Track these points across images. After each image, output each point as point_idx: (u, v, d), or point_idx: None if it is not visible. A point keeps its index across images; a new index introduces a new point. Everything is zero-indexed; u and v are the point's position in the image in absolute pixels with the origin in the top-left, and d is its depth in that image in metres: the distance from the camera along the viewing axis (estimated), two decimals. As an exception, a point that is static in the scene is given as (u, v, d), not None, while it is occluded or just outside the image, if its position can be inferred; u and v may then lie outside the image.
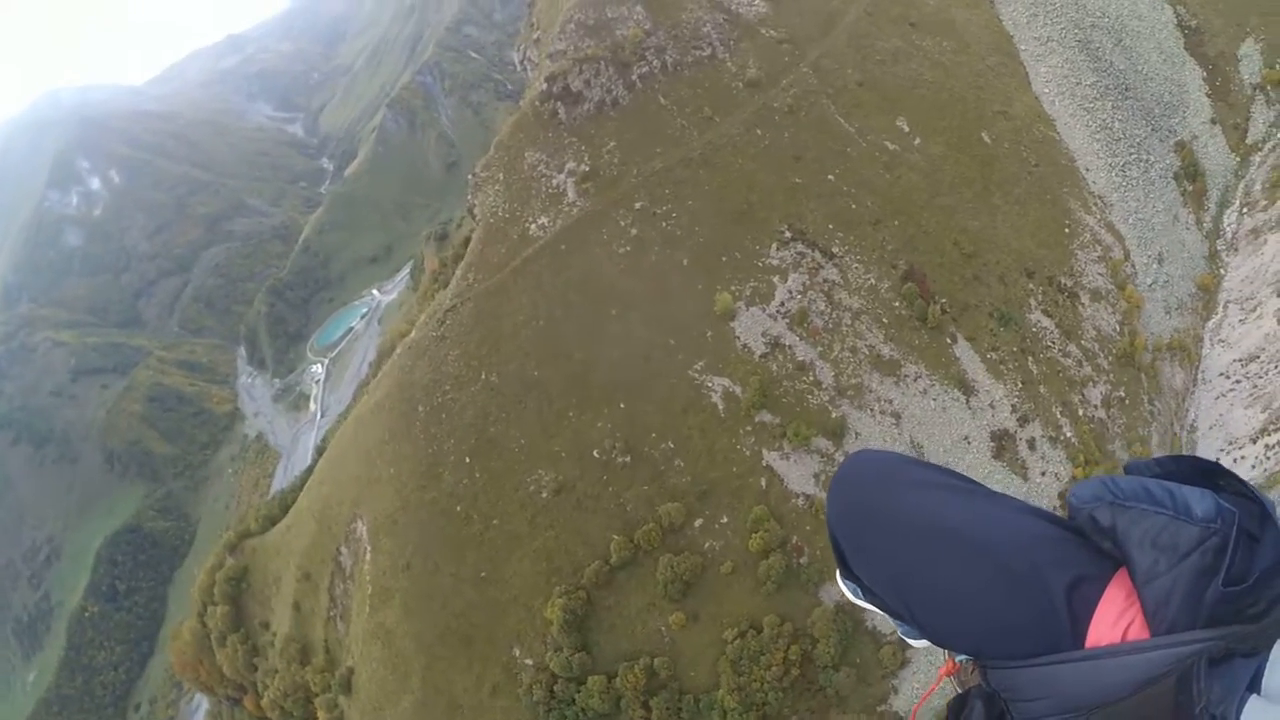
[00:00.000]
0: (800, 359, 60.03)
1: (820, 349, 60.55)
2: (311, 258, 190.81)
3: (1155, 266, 76.17)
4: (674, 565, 50.37)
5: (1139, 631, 1.70)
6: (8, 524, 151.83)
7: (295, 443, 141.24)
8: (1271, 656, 1.36)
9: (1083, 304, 70.76)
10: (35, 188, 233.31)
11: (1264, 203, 78.48)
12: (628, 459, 54.12)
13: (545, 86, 72.45)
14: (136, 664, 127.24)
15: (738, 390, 57.15)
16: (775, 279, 62.53)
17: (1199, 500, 1.67)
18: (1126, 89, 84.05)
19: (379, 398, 61.99)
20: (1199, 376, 74.91)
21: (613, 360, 57.49)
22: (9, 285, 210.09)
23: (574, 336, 58.83)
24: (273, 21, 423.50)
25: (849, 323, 62.21)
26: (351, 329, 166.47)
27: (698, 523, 53.24)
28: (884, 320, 62.88)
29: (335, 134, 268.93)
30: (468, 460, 55.48)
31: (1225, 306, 76.22)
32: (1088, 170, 77.70)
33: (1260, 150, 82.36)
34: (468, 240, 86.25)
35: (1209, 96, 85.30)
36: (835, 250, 64.58)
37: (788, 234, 64.60)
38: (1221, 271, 78.42)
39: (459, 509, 53.50)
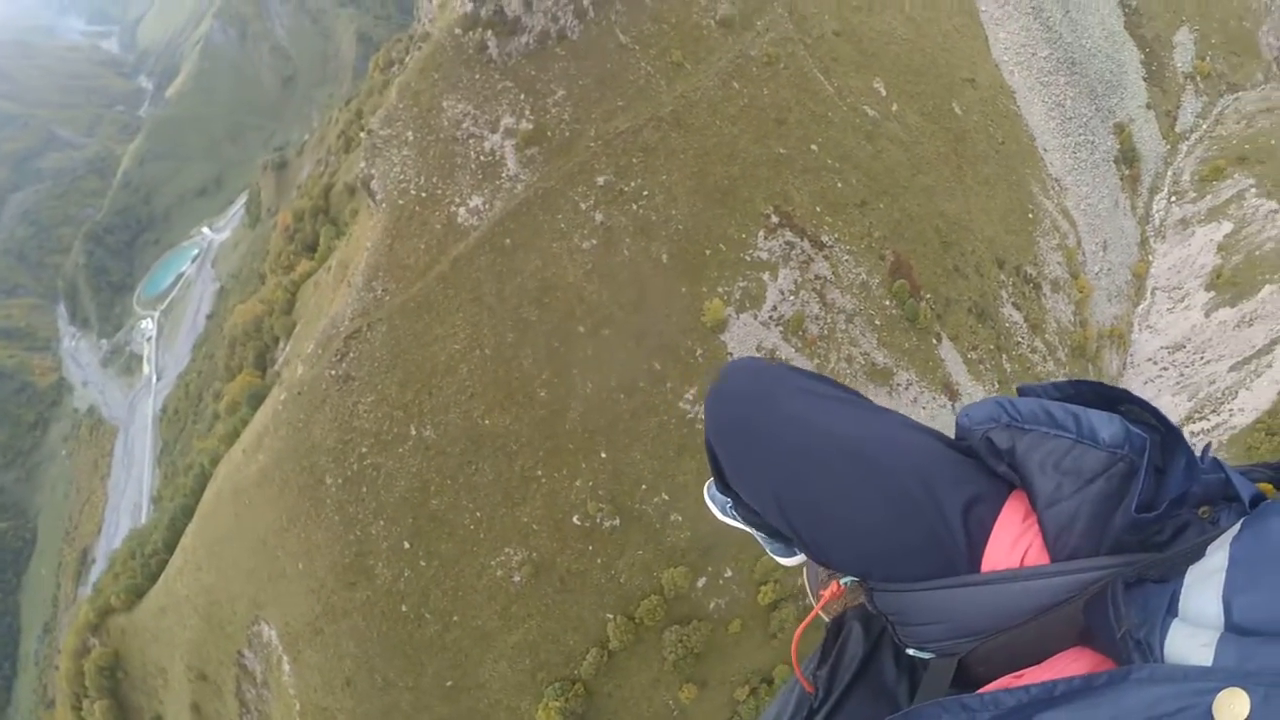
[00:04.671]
0: (796, 373, 52.13)
1: (817, 360, 52.91)
2: (132, 194, 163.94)
3: (1101, 254, 75.60)
4: (684, 639, 42.11)
5: (1038, 556, 1.65)
6: None
7: (132, 413, 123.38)
8: (1186, 581, 1.33)
9: (1045, 295, 68.50)
10: None
11: (1193, 194, 79.69)
12: (616, 521, 44.00)
13: (470, 7, 55.75)
14: (1, 689, 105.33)
15: (737, 418, 48.40)
16: (766, 276, 53.32)
17: (1105, 424, 1.61)
18: (1074, 64, 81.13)
19: (263, 465, 45.70)
20: (1128, 360, 76.72)
21: (587, 397, 46.00)
22: None
23: (534, 368, 46.26)
24: None
25: (843, 327, 54.88)
26: (182, 274, 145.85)
27: (701, 581, 44.93)
28: (876, 322, 56.25)
29: (155, 49, 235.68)
30: (407, 546, 42.51)
31: (1153, 293, 77.67)
32: (1045, 150, 74.46)
33: (1188, 140, 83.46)
34: (353, 215, 68.53)
35: (1145, 80, 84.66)
36: (825, 239, 56.22)
37: (774, 218, 55.14)
38: (1150, 258, 79.63)
39: (405, 609, 41.00)
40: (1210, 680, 1.10)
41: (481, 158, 53.98)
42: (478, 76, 55.76)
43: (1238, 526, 1.35)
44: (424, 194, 52.71)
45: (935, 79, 66.34)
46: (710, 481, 2.77)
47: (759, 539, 2.66)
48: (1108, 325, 73.45)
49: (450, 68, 55.70)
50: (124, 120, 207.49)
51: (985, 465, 1.81)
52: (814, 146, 57.18)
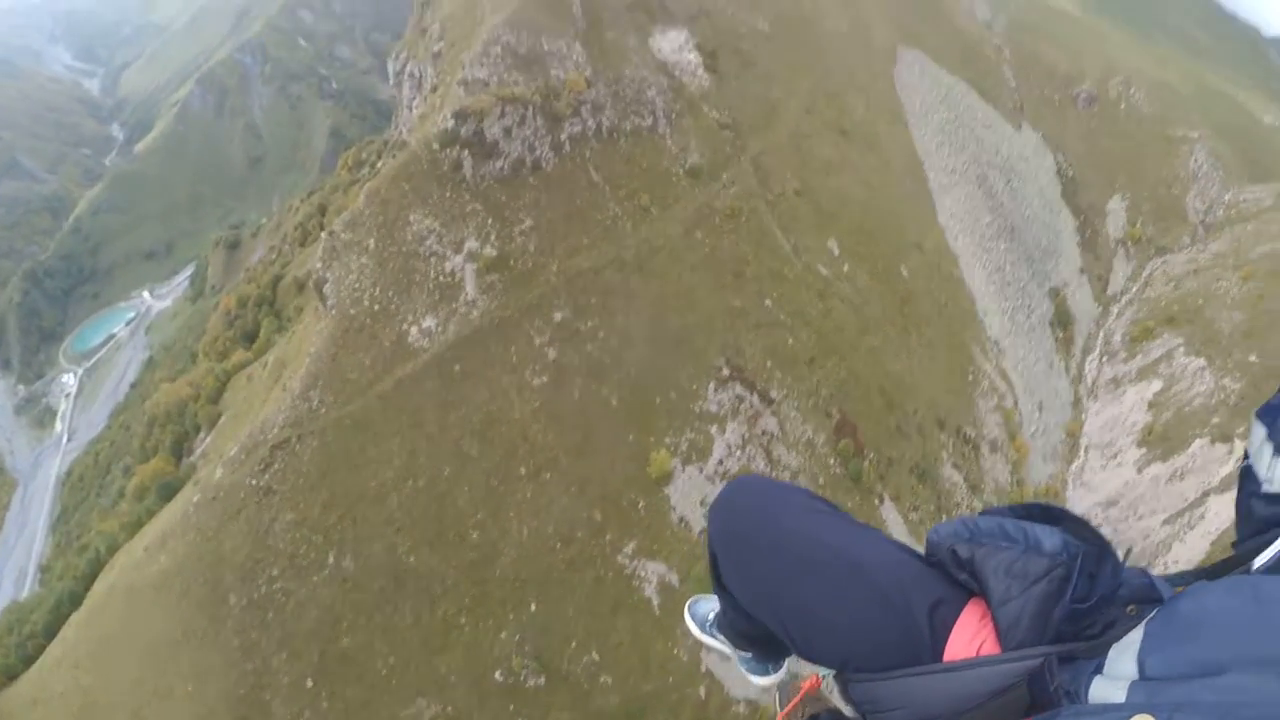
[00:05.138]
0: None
1: (759, 519, 52.25)
2: (81, 242, 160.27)
3: (1037, 415, 78.33)
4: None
5: (991, 648, 1.91)
6: None
7: (35, 469, 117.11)
8: (1109, 654, 1.66)
9: (984, 455, 70.12)
10: None
11: (1124, 354, 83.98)
12: (541, 680, 41.27)
13: (452, 124, 55.67)
14: None
15: (674, 579, 46.79)
16: (714, 429, 53.07)
17: (1048, 536, 1.88)
18: (1014, 230, 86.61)
19: (164, 568, 41.94)
20: (1061, 518, 78.52)
21: (522, 543, 43.97)
22: None
23: (469, 506, 44.19)
24: None
25: (787, 484, 54.69)
26: (114, 335, 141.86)
27: (624, 756, 42.18)
28: (820, 481, 56.18)
29: (135, 99, 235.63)
30: (310, 684, 38.93)
31: (1086, 451, 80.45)
32: (986, 314, 78.07)
33: (1119, 302, 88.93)
34: (298, 313, 66.52)
35: (1079, 246, 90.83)
36: (774, 394, 56.68)
37: (726, 371, 55.49)
38: (1084, 417, 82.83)
39: (300, 763, 37.22)
40: (1123, 711, 1.38)
41: (441, 278, 53.01)
42: (448, 194, 55.34)
43: (1154, 612, 1.67)
44: (377, 306, 51.18)
45: (886, 241, 69.61)
46: (691, 600, 3.41)
47: (735, 657, 3.02)
48: (1043, 484, 75.37)
49: (422, 181, 55.09)
50: (88, 165, 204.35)
51: (949, 574, 2.08)
52: (769, 301, 58.53)
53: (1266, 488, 1.83)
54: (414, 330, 50.28)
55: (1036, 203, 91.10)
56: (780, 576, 2.26)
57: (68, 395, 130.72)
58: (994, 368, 75.66)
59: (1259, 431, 1.85)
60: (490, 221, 55.24)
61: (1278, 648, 1.36)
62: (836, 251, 64.93)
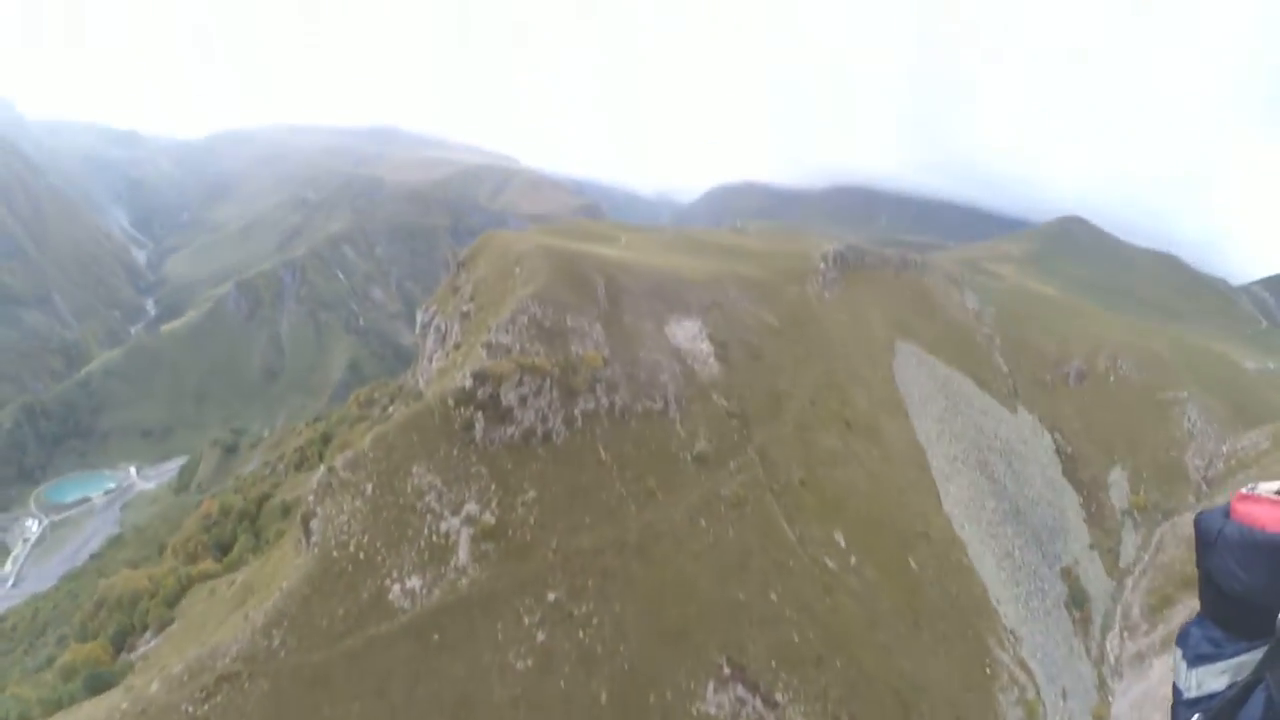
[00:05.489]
0: None
1: None
2: (86, 397, 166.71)
3: (1061, 704, 72.65)
4: None
5: None
6: None
7: None
8: None
9: (1009, 760, 63.61)
10: None
11: (1145, 627, 79.16)
12: None
13: (470, 384, 58.06)
14: None
15: None
16: (711, 738, 49.23)
17: None
18: (1019, 513, 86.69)
19: None
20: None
21: None
22: None
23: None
24: (177, 144, 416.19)
25: (791, 813, 49.24)
26: (89, 500, 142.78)
27: None
28: (829, 805, 50.68)
29: (175, 281, 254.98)
30: None
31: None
32: (999, 602, 75.50)
33: (1132, 574, 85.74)
34: (278, 537, 65.86)
35: (1086, 521, 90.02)
36: (778, 698, 53.19)
37: (726, 669, 52.74)
38: (1110, 699, 76.25)
39: None
40: None
41: (435, 537, 52.38)
42: (455, 453, 56.20)
43: None
44: (362, 555, 49.79)
45: (892, 532, 69.63)
46: None
47: None
48: None
49: (432, 435, 55.92)
50: (114, 327, 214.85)
51: None
52: (773, 595, 57.34)
53: (1185, 694, 2.22)
54: (397, 588, 48.77)
55: (1039, 482, 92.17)
56: None
57: (26, 540, 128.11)
58: (1012, 658, 71.34)
59: (1177, 652, 2.28)
60: (494, 487, 55.75)
61: None
62: (843, 543, 64.81)
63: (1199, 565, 2.36)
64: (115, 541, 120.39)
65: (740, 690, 52.23)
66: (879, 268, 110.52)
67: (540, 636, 49.74)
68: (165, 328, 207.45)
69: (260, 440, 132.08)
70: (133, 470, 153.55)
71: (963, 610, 71.15)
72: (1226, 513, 2.25)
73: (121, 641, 67.01)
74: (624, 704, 48.44)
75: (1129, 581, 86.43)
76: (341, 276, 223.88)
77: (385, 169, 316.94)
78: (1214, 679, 2.18)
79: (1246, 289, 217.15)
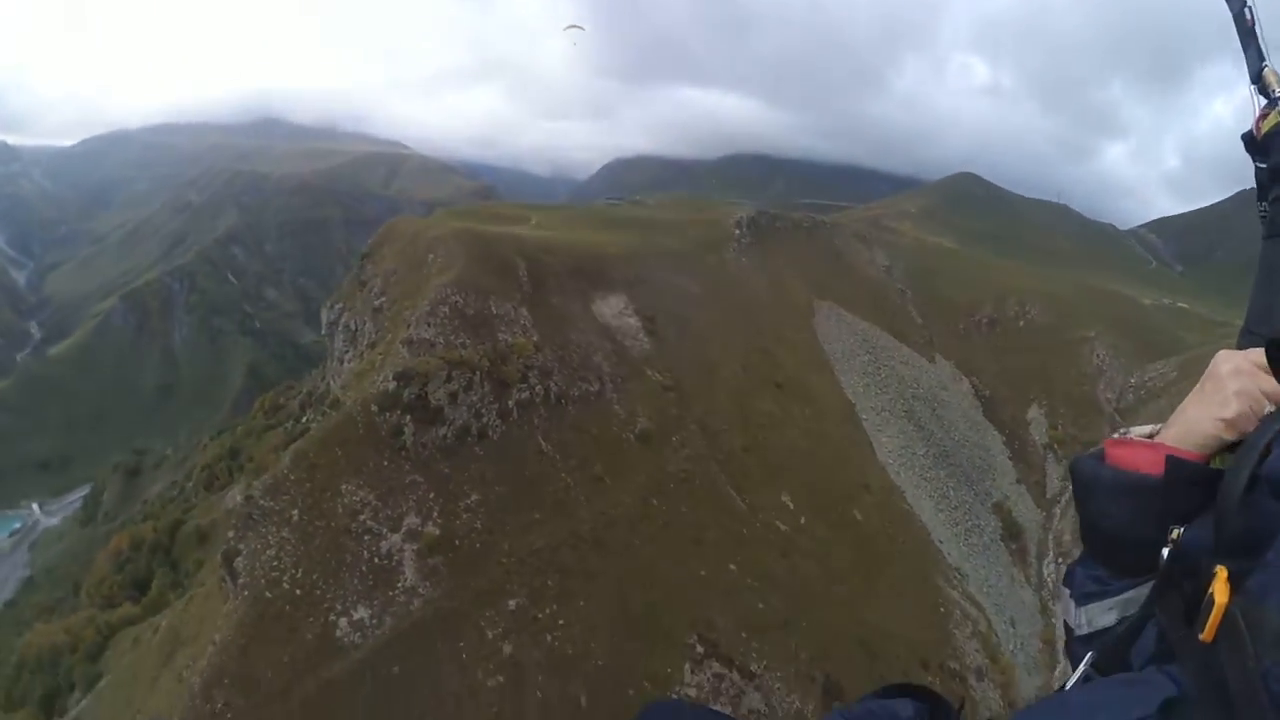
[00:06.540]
0: None
1: (755, 828, 45.82)
2: None
3: (1011, 630, 76.13)
4: None
5: None
6: None
7: None
8: None
9: (972, 685, 65.99)
10: None
11: (1077, 551, 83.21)
12: None
13: (394, 386, 53.73)
14: None
15: None
16: None
17: (904, 707, 2.11)
18: (948, 455, 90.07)
19: None
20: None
21: None
22: None
23: None
24: (50, 153, 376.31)
25: (780, 776, 49.01)
26: None
27: None
28: (815, 765, 50.78)
29: (58, 300, 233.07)
30: None
31: (1062, 654, 77.41)
32: (941, 542, 78.18)
33: (1059, 503, 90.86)
34: (197, 568, 60.15)
35: (1010, 459, 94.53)
36: (754, 667, 52.75)
37: (700, 648, 51.74)
38: (1053, 621, 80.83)
39: None
40: None
41: (376, 560, 48.17)
42: (386, 463, 51.86)
43: None
44: (299, 591, 44.99)
45: (835, 487, 70.56)
46: None
47: None
48: (1033, 697, 71.16)
49: (357, 447, 51.14)
50: None
51: None
52: (733, 566, 56.74)
53: (1077, 632, 2.25)
54: (343, 622, 44.45)
55: (963, 425, 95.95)
56: None
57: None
58: (961, 594, 74.16)
59: (1064, 592, 2.36)
60: (433, 496, 51.95)
61: None
62: (791, 505, 65.00)
63: (1078, 509, 2.43)
64: (28, 586, 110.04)
65: (716, 666, 51.41)
66: (791, 231, 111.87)
67: (507, 649, 46.96)
68: (52, 351, 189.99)
69: (164, 460, 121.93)
70: (35, 507, 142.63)
71: (910, 555, 73.14)
72: (1101, 457, 2.35)
73: (50, 706, 60.89)
74: (606, 705, 46.52)
75: (1056, 510, 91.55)
76: (232, 279, 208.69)
77: (270, 162, 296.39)
78: (1103, 615, 2.25)
79: (1134, 232, 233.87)
